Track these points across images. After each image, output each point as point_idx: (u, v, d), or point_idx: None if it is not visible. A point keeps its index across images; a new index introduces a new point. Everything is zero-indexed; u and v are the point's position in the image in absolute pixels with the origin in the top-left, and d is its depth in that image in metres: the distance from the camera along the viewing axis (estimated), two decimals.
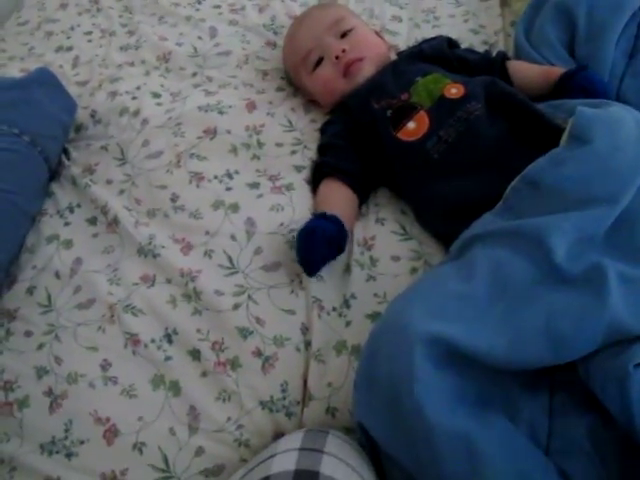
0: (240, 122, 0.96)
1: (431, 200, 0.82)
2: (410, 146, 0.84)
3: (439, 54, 0.97)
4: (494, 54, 0.99)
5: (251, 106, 0.99)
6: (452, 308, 0.61)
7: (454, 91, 0.85)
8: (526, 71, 0.96)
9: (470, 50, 1.02)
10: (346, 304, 0.76)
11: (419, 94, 0.87)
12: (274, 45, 1.12)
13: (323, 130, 0.95)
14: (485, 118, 0.81)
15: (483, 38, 1.09)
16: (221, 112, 0.97)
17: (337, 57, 0.95)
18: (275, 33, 1.15)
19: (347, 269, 0.80)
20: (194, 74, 1.07)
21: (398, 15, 1.16)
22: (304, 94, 1.03)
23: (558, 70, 0.92)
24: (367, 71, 0.96)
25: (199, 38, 1.14)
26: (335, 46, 0.95)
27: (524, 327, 0.59)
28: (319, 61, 0.97)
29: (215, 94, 1.01)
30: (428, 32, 1.12)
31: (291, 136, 0.95)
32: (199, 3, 1.21)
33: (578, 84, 0.88)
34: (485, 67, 0.96)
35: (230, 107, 0.98)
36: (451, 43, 1.01)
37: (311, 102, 1.02)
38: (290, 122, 0.98)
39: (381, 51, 1.00)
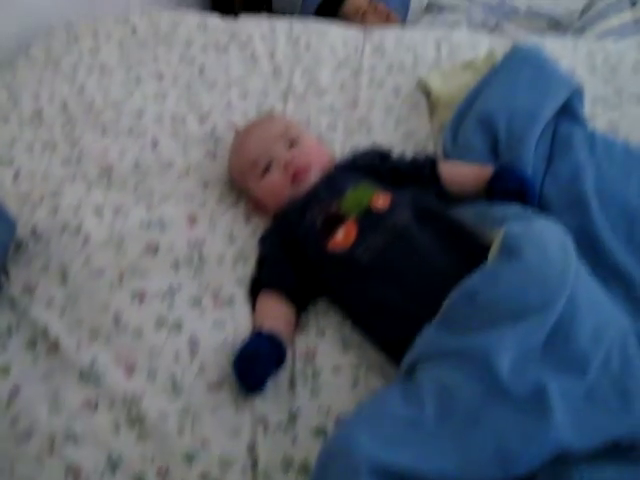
0: (182, 237, 0.98)
1: (366, 308, 0.85)
2: (339, 257, 0.87)
3: (371, 166, 1.03)
4: (422, 159, 1.05)
5: (192, 220, 1.02)
6: (400, 433, 0.62)
7: (381, 202, 0.90)
8: (457, 172, 1.03)
9: (400, 159, 1.08)
10: (292, 420, 0.76)
11: (348, 204, 0.91)
12: (214, 155, 1.16)
13: (262, 241, 0.98)
14: (412, 228, 0.86)
15: (413, 144, 1.16)
16: (163, 228, 0.99)
17: (286, 165, 0.99)
18: (216, 143, 1.19)
19: (291, 383, 0.81)
20: (136, 187, 1.09)
21: (333, 124, 1.22)
22: (249, 200, 1.06)
23: (488, 170, 1.00)
24: (313, 179, 1.01)
25: (141, 150, 1.16)
26: (284, 154, 1.01)
27: (473, 449, 0.61)
28: (267, 168, 1.02)
29: (157, 208, 1.04)
30: (362, 140, 1.18)
31: (232, 249, 0.98)
32: (140, 115, 1.24)
33: (507, 185, 0.96)
34: (416, 173, 1.02)
35: (171, 222, 1.00)
36: (382, 155, 1.06)
37: (254, 209, 1.05)
38: (231, 235, 1.00)
39: (325, 159, 1.06)
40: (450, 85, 1.21)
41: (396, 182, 1.00)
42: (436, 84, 1.21)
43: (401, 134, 1.18)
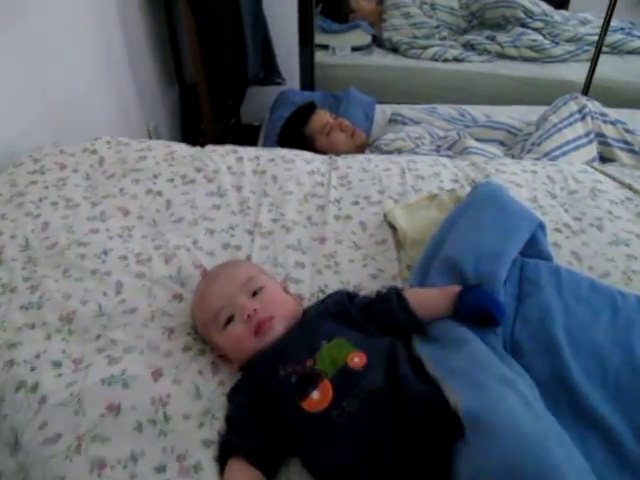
0: (145, 395, 0.93)
1: (337, 473, 0.81)
2: (314, 417, 0.84)
3: (342, 309, 1.01)
4: (387, 290, 1.04)
5: (157, 374, 0.97)
6: None
7: (357, 360, 0.88)
8: (423, 297, 1.03)
9: (367, 297, 1.07)
10: None
11: (323, 361, 0.89)
12: (180, 298, 1.14)
13: (230, 397, 0.94)
14: (385, 394, 0.83)
15: (382, 283, 1.15)
16: (125, 384, 0.95)
17: (248, 316, 0.97)
18: (182, 285, 1.16)
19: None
20: (98, 336, 1.05)
21: (301, 261, 1.21)
22: (214, 349, 1.03)
23: (454, 290, 1.00)
24: (277, 329, 0.98)
25: (104, 294, 1.13)
26: (246, 305, 0.98)
27: None
28: (230, 319, 0.99)
29: (119, 361, 0.99)
30: (330, 278, 1.17)
31: (199, 406, 0.93)
32: (105, 254, 1.22)
33: (474, 303, 0.97)
34: (384, 306, 1.01)
35: (135, 378, 0.96)
36: (350, 296, 1.05)
37: (220, 357, 1.02)
38: (197, 389, 0.96)
39: (290, 308, 1.03)
40: (416, 221, 1.22)
41: (368, 320, 0.99)
42: (402, 220, 1.22)
43: (369, 273, 1.17)
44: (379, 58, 3.53)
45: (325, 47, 3.53)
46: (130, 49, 2.30)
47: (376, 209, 1.34)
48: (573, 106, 2.27)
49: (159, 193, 1.39)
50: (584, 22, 3.76)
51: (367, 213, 1.33)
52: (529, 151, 2.21)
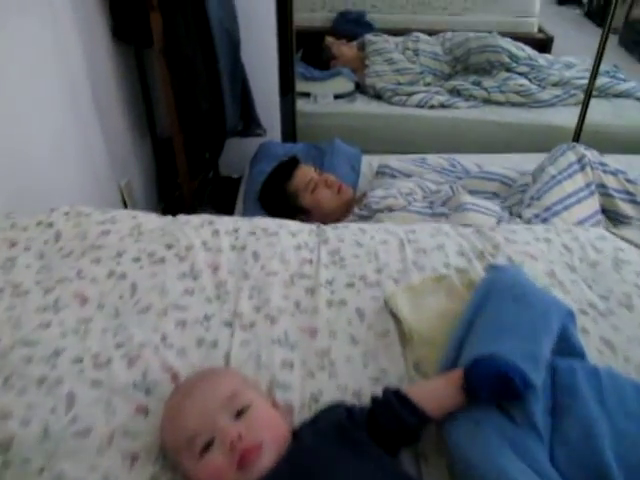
0: None
1: None
2: None
3: (342, 432, 0.83)
4: (384, 394, 0.88)
5: None
6: None
7: None
8: (426, 387, 0.91)
9: (363, 408, 0.89)
10: None
11: None
12: (146, 412, 0.94)
13: None
14: None
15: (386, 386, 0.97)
16: None
17: (232, 444, 0.78)
18: (147, 393, 0.97)
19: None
20: (41, 470, 0.85)
21: (289, 360, 1.02)
22: (186, 478, 0.84)
23: (458, 372, 0.86)
24: (265, 461, 0.79)
25: (52, 411, 0.93)
26: (230, 430, 0.79)
27: None
28: (209, 444, 0.79)
29: None
30: (324, 383, 0.98)
31: None
32: (56, 356, 1.02)
33: (484, 375, 0.83)
34: (386, 412, 0.85)
35: None
36: (349, 411, 0.87)
37: None
38: None
39: (281, 432, 0.85)
40: (423, 310, 1.04)
41: (376, 436, 0.83)
42: (406, 309, 1.05)
43: (370, 375, 0.99)
44: (363, 105, 3.40)
45: (306, 95, 3.40)
46: (98, 102, 2.13)
47: (374, 292, 1.16)
48: (571, 156, 2.15)
49: (123, 275, 1.20)
50: (569, 66, 3.70)
51: (364, 297, 1.15)
52: (529, 205, 2.07)
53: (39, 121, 1.76)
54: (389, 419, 0.85)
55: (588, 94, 3.04)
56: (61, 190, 1.88)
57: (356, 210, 2.08)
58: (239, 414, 0.82)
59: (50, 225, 1.35)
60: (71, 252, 1.27)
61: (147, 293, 1.16)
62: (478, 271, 1.20)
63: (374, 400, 0.89)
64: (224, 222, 1.37)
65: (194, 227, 1.34)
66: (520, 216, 2.05)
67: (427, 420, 0.85)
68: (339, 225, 1.39)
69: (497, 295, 0.98)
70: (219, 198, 3.04)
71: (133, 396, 0.97)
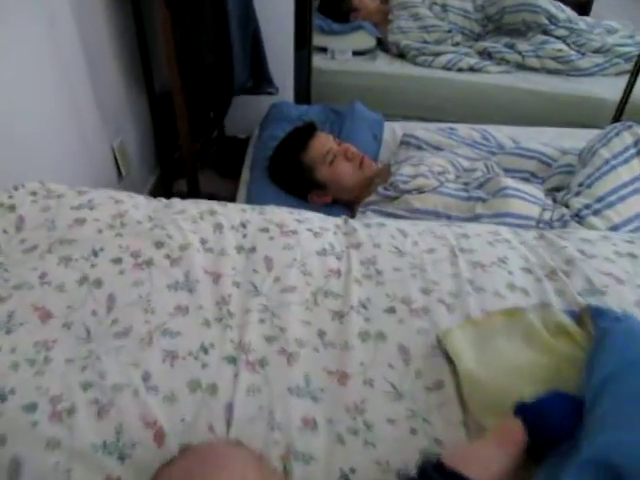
0: None
1: None
2: None
3: None
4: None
5: None
6: None
7: None
8: (472, 451, 0.70)
9: None
10: None
11: None
12: None
13: None
14: None
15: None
16: None
17: None
18: (121, 459, 0.72)
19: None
20: None
21: (311, 417, 0.77)
22: None
23: (514, 423, 0.67)
24: None
25: None
26: None
27: None
28: None
29: None
30: (358, 455, 0.73)
31: None
32: (2, 401, 0.77)
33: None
34: None
35: None
36: None
37: None
38: None
39: None
40: (490, 360, 0.78)
41: None
42: (468, 356, 0.78)
43: (418, 446, 0.74)
44: (384, 64, 3.07)
45: (323, 50, 3.07)
46: (86, 49, 1.82)
47: (422, 323, 0.89)
48: (628, 137, 1.86)
49: (98, 282, 0.94)
50: (610, 31, 3.35)
51: (409, 329, 0.88)
52: (577, 193, 1.80)
53: (16, 70, 1.46)
54: None
55: (638, 64, 2.72)
56: (42, 151, 1.59)
57: (380, 190, 1.80)
58: None
59: (12, 208, 1.07)
60: (35, 246, 1.00)
61: (128, 309, 0.90)
62: (552, 297, 0.93)
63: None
64: (229, 212, 1.09)
65: (191, 218, 1.06)
66: (567, 205, 1.78)
67: None
68: (372, 222, 1.11)
69: (633, 362, 0.70)
70: (223, 160, 2.76)
71: (101, 463, 0.71)
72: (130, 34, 2.07)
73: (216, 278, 0.96)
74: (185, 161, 2.37)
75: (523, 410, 0.69)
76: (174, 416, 0.76)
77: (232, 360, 0.84)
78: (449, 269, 0.99)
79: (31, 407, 0.76)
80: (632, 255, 1.07)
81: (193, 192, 2.43)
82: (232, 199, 2.01)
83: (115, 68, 2.06)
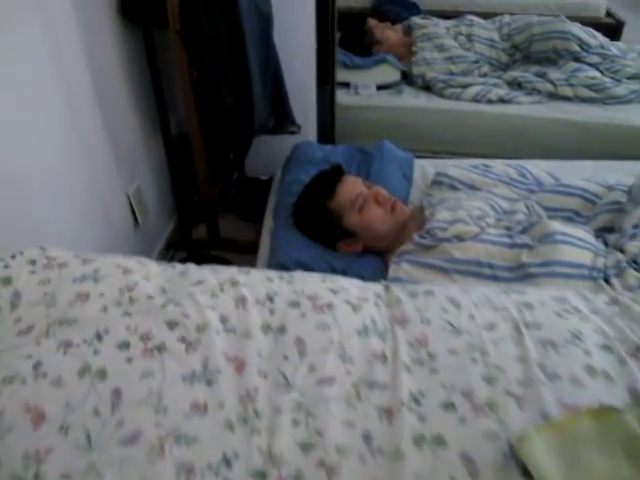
0: None
1: None
2: None
3: None
4: None
5: None
6: None
7: None
8: None
9: None
10: None
11: None
12: None
13: None
14: None
15: None
16: None
17: None
18: None
19: None
20: None
21: None
22: None
23: None
24: None
25: None
26: None
27: None
28: None
29: None
30: None
31: None
32: None
33: None
34: None
35: None
36: None
37: None
38: None
39: None
40: (582, 474, 0.62)
41: None
42: (549, 474, 0.62)
43: None
44: (410, 98, 2.95)
45: (346, 85, 2.95)
46: (99, 94, 1.72)
47: (489, 423, 0.73)
48: None
49: (102, 374, 0.79)
50: None
51: (473, 432, 0.72)
52: (632, 236, 1.64)
53: (24, 117, 1.35)
54: None
55: None
56: (55, 204, 1.48)
57: (416, 238, 1.65)
58: None
59: (7, 281, 0.94)
60: (31, 327, 0.87)
61: (136, 408, 0.75)
62: None
63: None
64: (253, 282, 0.95)
65: (210, 291, 0.92)
66: (622, 250, 1.61)
67: None
68: (419, 290, 0.96)
69: None
70: (244, 203, 2.64)
71: None
72: (144, 75, 1.97)
73: (239, 366, 0.81)
74: (204, 205, 2.25)
75: None
76: None
77: (261, 476, 0.68)
78: (514, 350, 0.83)
79: None
80: None
81: (213, 238, 2.30)
82: (254, 244, 1.89)
83: (129, 110, 1.96)
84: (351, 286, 0.96)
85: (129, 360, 0.81)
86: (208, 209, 2.27)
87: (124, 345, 0.83)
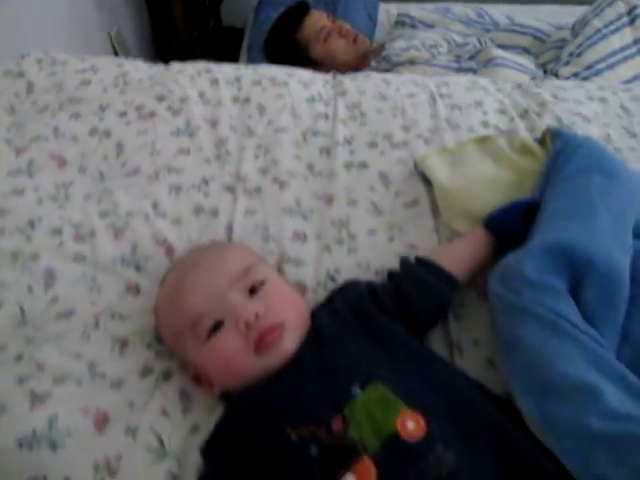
0: (83, 461, 0.63)
1: None
2: None
3: (361, 313, 0.70)
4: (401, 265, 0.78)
5: (100, 423, 0.67)
6: None
7: (411, 427, 0.57)
8: (449, 248, 0.81)
9: (384, 286, 0.76)
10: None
11: (359, 425, 0.58)
12: (136, 289, 0.81)
13: (206, 456, 0.64)
14: (464, 471, 0.53)
15: None
16: (53, 446, 0.64)
17: (247, 323, 0.65)
18: (138, 269, 0.84)
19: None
20: (19, 357, 0.73)
21: (301, 231, 0.88)
22: (186, 369, 0.72)
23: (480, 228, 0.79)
24: (286, 345, 0.66)
25: (29, 290, 0.80)
26: (245, 308, 0.66)
27: None
28: (216, 327, 0.67)
29: (46, 401, 0.68)
30: (343, 259, 0.84)
31: (161, 470, 0.63)
32: (32, 227, 0.88)
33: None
34: (415, 284, 0.73)
35: (68, 432, 0.65)
36: (372, 290, 0.73)
37: (193, 383, 0.71)
38: (161, 441, 0.66)
39: (302, 312, 0.72)
40: (462, 177, 0.87)
41: (407, 316, 0.71)
42: (441, 174, 0.88)
43: (396, 250, 0.84)
44: None
45: None
46: None
47: (401, 154, 0.99)
48: (621, 6, 1.84)
49: (107, 133, 1.03)
50: None
51: (389, 160, 0.98)
52: (567, 63, 1.82)
53: None
54: (416, 288, 0.72)
55: None
56: (43, 40, 1.65)
57: (373, 63, 1.85)
58: (252, 291, 0.69)
59: (20, 75, 1.15)
60: (46, 106, 1.09)
61: (135, 153, 0.99)
62: (523, 133, 1.02)
63: (390, 275, 0.78)
64: (224, 70, 1.17)
65: (189, 76, 1.14)
66: (556, 75, 1.81)
67: (455, 283, 0.74)
68: (359, 75, 1.19)
69: (586, 167, 0.79)
70: (221, 51, 2.78)
71: (121, 273, 0.83)
72: None
73: (214, 125, 1.05)
74: (183, 50, 2.40)
75: (488, 220, 0.79)
76: (181, 235, 0.88)
77: (231, 189, 0.94)
78: (428, 110, 1.08)
79: (57, 231, 0.87)
80: (603, 99, 1.14)
81: None
82: None
83: None
84: (304, 73, 1.18)
85: (128, 123, 1.05)
86: (186, 53, 2.42)
87: (123, 113, 1.06)
